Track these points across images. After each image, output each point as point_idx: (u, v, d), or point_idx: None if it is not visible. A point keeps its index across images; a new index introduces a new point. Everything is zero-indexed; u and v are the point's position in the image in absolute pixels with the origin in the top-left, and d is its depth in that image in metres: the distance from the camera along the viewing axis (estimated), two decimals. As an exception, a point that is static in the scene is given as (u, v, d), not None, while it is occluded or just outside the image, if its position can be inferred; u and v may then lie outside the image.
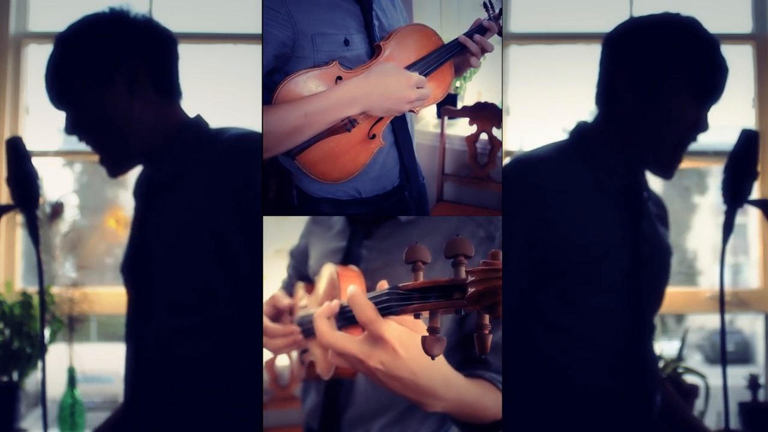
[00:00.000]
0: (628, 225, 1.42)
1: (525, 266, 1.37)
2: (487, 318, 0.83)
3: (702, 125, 1.41)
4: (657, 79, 1.39)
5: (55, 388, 2.18)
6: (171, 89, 1.41)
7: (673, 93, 1.39)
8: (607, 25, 1.48)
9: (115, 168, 1.42)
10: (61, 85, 1.38)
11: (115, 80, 1.35)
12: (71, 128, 1.40)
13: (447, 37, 1.47)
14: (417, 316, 0.94)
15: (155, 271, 1.37)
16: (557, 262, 1.38)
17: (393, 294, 0.95)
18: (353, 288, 1.04)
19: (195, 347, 1.34)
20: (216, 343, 1.34)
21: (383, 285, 1.06)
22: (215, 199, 1.30)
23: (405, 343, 1.00)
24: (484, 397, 1.13)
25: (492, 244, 1.27)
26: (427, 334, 0.91)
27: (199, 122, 1.42)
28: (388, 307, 0.96)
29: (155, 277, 1.37)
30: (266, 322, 1.41)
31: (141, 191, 1.43)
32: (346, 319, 1.07)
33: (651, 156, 1.43)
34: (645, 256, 1.42)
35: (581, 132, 1.48)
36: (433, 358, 0.91)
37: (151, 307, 1.37)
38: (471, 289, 0.81)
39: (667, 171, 1.44)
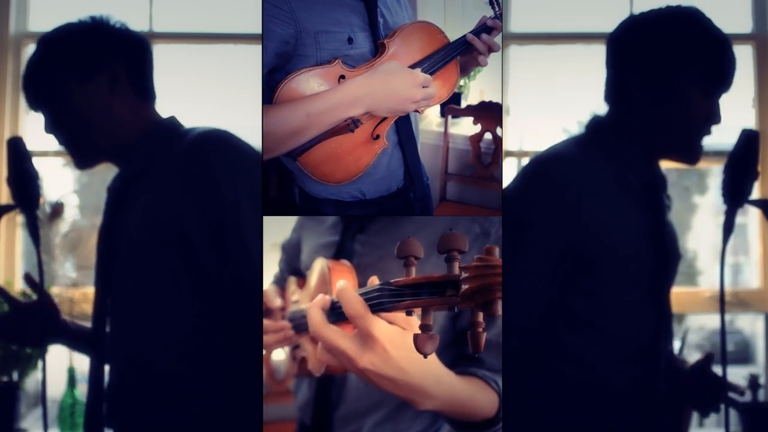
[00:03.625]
0: (650, 220, 1.42)
1: (559, 265, 1.37)
2: (481, 316, 0.81)
3: (715, 117, 1.42)
4: (666, 75, 1.39)
5: (55, 388, 2.18)
6: (147, 91, 1.45)
7: (684, 88, 1.39)
8: (608, 25, 1.48)
9: (84, 161, 1.45)
10: (42, 84, 1.40)
11: (96, 78, 1.39)
12: (50, 127, 1.42)
13: (451, 35, 1.46)
14: (409, 313, 0.92)
15: (125, 267, 1.37)
16: (587, 260, 1.38)
17: (384, 290, 0.93)
18: (343, 283, 1.02)
19: (183, 342, 1.34)
20: (207, 340, 1.34)
21: (374, 281, 1.03)
22: (179, 195, 1.29)
23: (395, 341, 0.98)
24: (476, 394, 1.12)
25: (487, 240, 1.26)
26: (419, 331, 0.89)
27: (172, 122, 1.43)
28: (379, 303, 0.94)
29: (125, 273, 1.37)
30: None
31: (113, 187, 1.44)
32: (336, 315, 1.06)
33: (671, 146, 1.44)
34: (669, 252, 1.44)
35: (597, 125, 1.47)
36: (425, 357, 0.89)
37: (123, 305, 1.38)
38: (465, 286, 0.79)
39: (690, 157, 1.45)
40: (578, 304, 1.40)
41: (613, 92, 1.46)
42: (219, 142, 1.32)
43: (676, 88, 1.39)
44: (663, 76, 1.39)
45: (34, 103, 1.43)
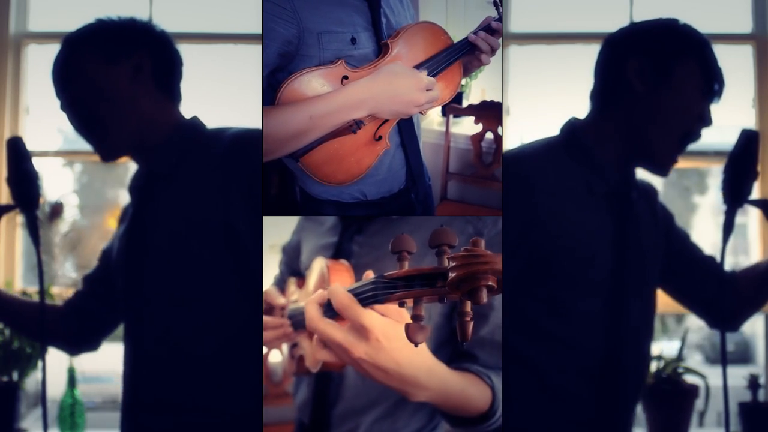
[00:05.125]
0: (615, 226, 1.41)
1: (512, 265, 1.37)
2: (468, 305, 0.84)
3: (706, 119, 1.42)
4: (669, 66, 1.41)
5: (55, 388, 2.18)
6: (171, 90, 1.46)
7: (683, 81, 1.40)
8: (608, 26, 1.48)
9: (106, 151, 1.45)
10: (69, 65, 1.42)
11: (120, 62, 1.41)
12: (67, 105, 1.43)
13: (453, 35, 1.45)
14: (401, 305, 0.95)
15: (153, 265, 1.38)
16: (544, 261, 1.38)
17: (378, 283, 0.96)
18: (335, 285, 1.05)
19: (193, 342, 1.35)
20: (215, 340, 1.35)
21: (369, 275, 1.06)
22: (217, 195, 1.33)
23: (387, 333, 1.00)
24: (468, 387, 1.13)
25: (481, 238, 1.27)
26: (410, 322, 0.91)
27: (196, 122, 1.46)
28: (373, 295, 0.97)
29: (152, 270, 1.38)
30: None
31: (138, 185, 1.45)
32: (331, 312, 1.08)
33: (650, 150, 1.43)
34: (631, 258, 1.41)
35: (572, 128, 1.47)
36: (416, 345, 0.91)
37: (147, 301, 1.39)
38: (451, 275, 0.82)
39: (663, 167, 1.44)
40: (535, 310, 1.39)
41: (603, 89, 1.46)
42: (259, 142, 1.33)
43: (678, 77, 1.40)
44: (666, 64, 1.41)
45: (61, 83, 1.43)
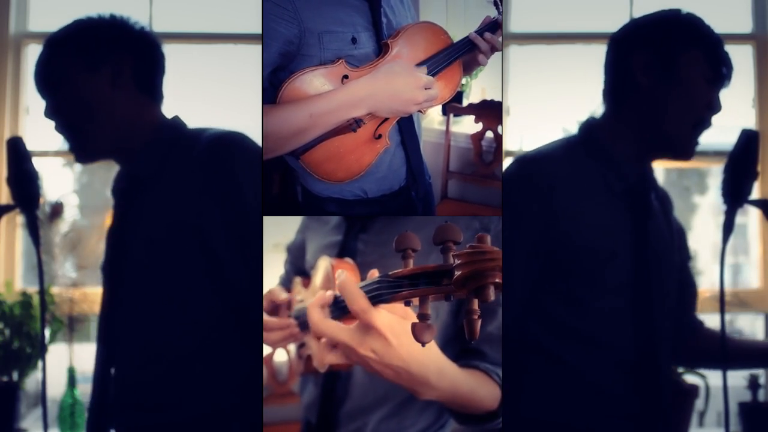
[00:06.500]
0: (634, 225, 1.42)
1: (531, 266, 1.37)
2: (475, 303, 0.82)
3: (715, 106, 1.44)
4: (672, 58, 1.42)
5: (55, 388, 2.18)
6: (153, 90, 1.45)
7: (689, 69, 1.42)
8: (608, 25, 1.49)
9: (84, 155, 1.45)
10: (49, 71, 1.42)
11: (99, 68, 1.40)
12: (50, 112, 1.43)
13: (453, 35, 1.46)
14: (407, 304, 0.94)
15: (136, 268, 1.38)
16: (563, 261, 1.38)
17: (383, 282, 0.95)
18: (343, 274, 1.03)
19: (192, 343, 1.36)
20: (216, 340, 1.35)
21: (374, 274, 1.06)
22: (194, 197, 1.33)
23: (396, 331, 1.00)
24: (478, 387, 1.13)
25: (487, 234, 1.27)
26: (417, 321, 0.90)
27: (177, 122, 1.46)
28: (378, 295, 0.96)
29: (136, 273, 1.38)
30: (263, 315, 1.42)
31: (121, 187, 1.45)
32: (339, 309, 1.07)
33: (667, 140, 1.45)
34: (652, 256, 1.42)
35: (590, 127, 1.49)
36: (423, 345, 0.90)
37: (133, 304, 1.39)
38: (457, 273, 0.81)
39: (685, 151, 1.46)
40: (556, 307, 1.40)
41: (613, 86, 1.48)
42: (237, 145, 1.34)
43: (682, 68, 1.42)
44: (669, 56, 1.42)
45: (42, 89, 1.43)
